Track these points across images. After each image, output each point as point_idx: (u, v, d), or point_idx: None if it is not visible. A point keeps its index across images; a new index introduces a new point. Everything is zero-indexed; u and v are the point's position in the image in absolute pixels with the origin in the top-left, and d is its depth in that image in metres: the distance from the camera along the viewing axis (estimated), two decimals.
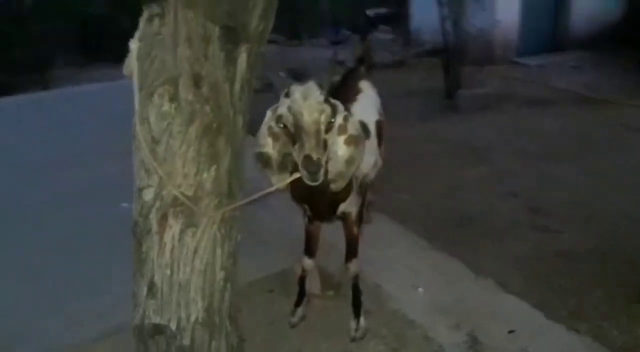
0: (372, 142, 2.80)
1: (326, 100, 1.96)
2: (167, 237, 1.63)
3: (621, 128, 5.84)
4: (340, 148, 2.07)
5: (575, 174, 4.70)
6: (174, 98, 1.63)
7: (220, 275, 1.70)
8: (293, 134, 1.95)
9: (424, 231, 3.68)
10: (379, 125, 2.98)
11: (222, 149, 1.68)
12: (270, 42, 9.52)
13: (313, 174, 1.90)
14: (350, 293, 2.73)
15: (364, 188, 3.43)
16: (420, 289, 2.91)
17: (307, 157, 1.88)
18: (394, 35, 11.83)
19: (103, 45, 8.68)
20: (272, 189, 1.96)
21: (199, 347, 1.68)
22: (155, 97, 1.63)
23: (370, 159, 2.73)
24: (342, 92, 2.65)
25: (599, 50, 9.08)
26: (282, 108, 1.95)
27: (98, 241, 3.40)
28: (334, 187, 2.15)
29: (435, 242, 3.49)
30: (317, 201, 2.40)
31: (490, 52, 9.02)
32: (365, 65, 3.22)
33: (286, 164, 2.04)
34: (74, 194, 4.47)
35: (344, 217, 2.54)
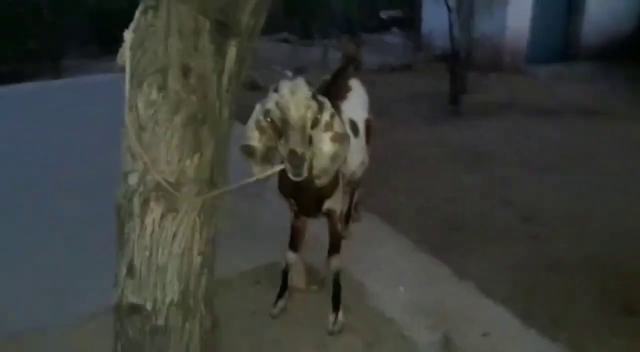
0: (360, 141, 2.86)
1: (314, 97, 2.02)
2: (148, 221, 1.69)
3: (624, 141, 5.82)
4: (325, 144, 2.13)
5: (573, 185, 4.71)
6: (162, 87, 1.69)
7: (197, 260, 1.76)
8: (280, 128, 2.02)
9: (415, 234, 3.71)
10: (368, 124, 3.03)
11: (206, 139, 1.74)
12: (283, 41, 9.67)
13: (297, 168, 1.96)
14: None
15: (353, 187, 3.50)
16: (402, 288, 2.96)
17: (292, 152, 1.94)
18: (405, 39, 11.86)
19: (117, 38, 8.77)
20: (252, 179, 2.02)
21: (173, 328, 1.74)
22: (145, 86, 1.69)
23: (358, 157, 2.80)
24: (332, 90, 2.71)
25: (610, 62, 9.03)
26: (270, 103, 2.01)
27: (100, 228, 3.47)
28: (318, 183, 2.21)
29: (423, 245, 3.52)
30: (302, 196, 2.46)
31: (499, 59, 9.04)
32: (353, 65, 3.26)
33: (269, 157, 2.10)
34: (80, 181, 4.55)
35: (329, 213, 2.59)
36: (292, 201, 2.58)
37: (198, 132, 1.72)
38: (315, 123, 2.04)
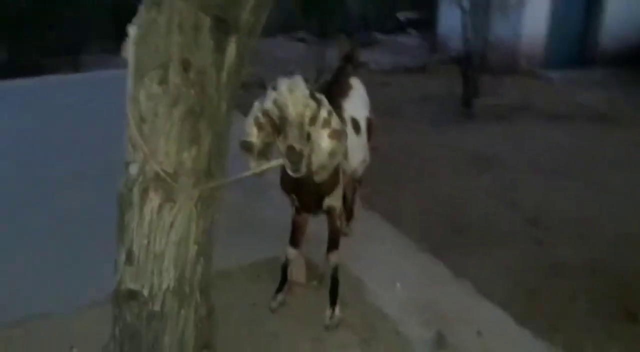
0: (362, 139, 2.91)
1: (311, 95, 2.07)
2: (147, 210, 1.75)
3: (635, 147, 5.80)
4: (323, 141, 2.17)
5: (580, 190, 4.71)
6: (163, 81, 1.75)
7: (193, 248, 1.81)
8: (278, 125, 2.07)
9: (417, 233, 3.74)
10: (369, 122, 3.07)
11: (204, 131, 1.80)
12: (300, 40, 9.70)
13: (295, 164, 2.01)
14: None
15: (354, 184, 3.54)
16: (398, 285, 3.00)
17: (291, 148, 2.00)
18: (421, 40, 11.85)
19: None
20: (248, 173, 2.07)
21: (168, 314, 1.80)
22: (146, 79, 1.75)
23: (359, 155, 2.84)
24: (334, 88, 2.76)
25: (627, 68, 8.95)
26: (269, 100, 2.06)
27: (109, 217, 3.56)
28: (317, 178, 2.25)
29: (424, 245, 3.56)
30: (303, 192, 2.52)
31: (514, 63, 9.00)
32: (351, 64, 3.30)
33: (266, 152, 2.15)
34: (92, 172, 4.63)
35: (329, 210, 2.64)
36: (294, 197, 2.64)
37: (196, 125, 1.78)
38: (313, 120, 2.09)
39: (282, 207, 3.06)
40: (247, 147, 2.17)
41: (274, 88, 2.07)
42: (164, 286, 1.78)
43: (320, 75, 3.16)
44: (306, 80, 2.08)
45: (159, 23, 1.75)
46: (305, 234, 2.90)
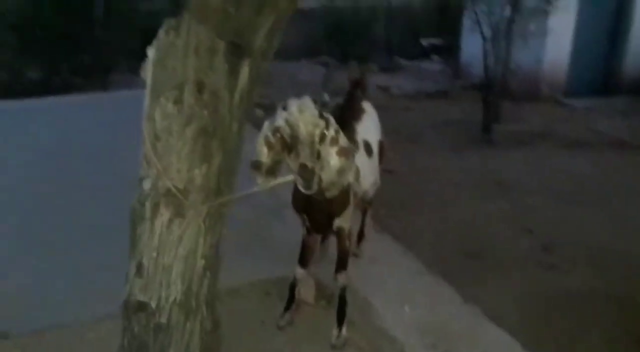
0: (374, 161, 2.96)
1: (320, 114, 2.14)
2: (158, 224, 1.82)
3: None
4: (332, 158, 2.24)
5: (597, 217, 4.67)
6: (177, 101, 1.83)
7: (200, 263, 1.88)
8: (289, 144, 2.13)
9: (429, 257, 3.73)
10: (381, 145, 3.13)
11: (215, 150, 1.87)
12: (322, 64, 9.84)
13: (307, 181, 2.07)
14: None
15: (365, 206, 3.59)
16: (407, 308, 3.01)
17: (303, 166, 2.07)
18: (444, 66, 11.92)
19: None
20: (256, 189, 2.14)
21: (175, 326, 1.86)
22: (162, 99, 1.84)
23: (370, 177, 2.89)
24: (347, 113, 2.83)
25: None
26: (280, 120, 2.13)
27: (127, 233, 3.66)
28: (327, 194, 2.31)
29: (434, 268, 3.56)
30: (314, 212, 2.57)
31: (536, 90, 8.98)
32: (361, 89, 3.37)
33: (274, 170, 2.21)
34: (113, 187, 4.74)
35: (338, 231, 2.69)
36: (305, 217, 2.69)
37: (207, 144, 1.85)
38: (322, 138, 2.15)
39: (294, 227, 3.11)
40: (256, 166, 2.23)
41: (284, 108, 2.14)
42: (171, 299, 1.84)
43: (336, 97, 3.23)
44: (315, 102, 2.15)
45: (177, 46, 1.85)
46: (315, 255, 2.94)
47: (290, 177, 2.16)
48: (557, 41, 8.70)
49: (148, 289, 1.84)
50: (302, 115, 2.10)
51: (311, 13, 12.54)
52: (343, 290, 2.80)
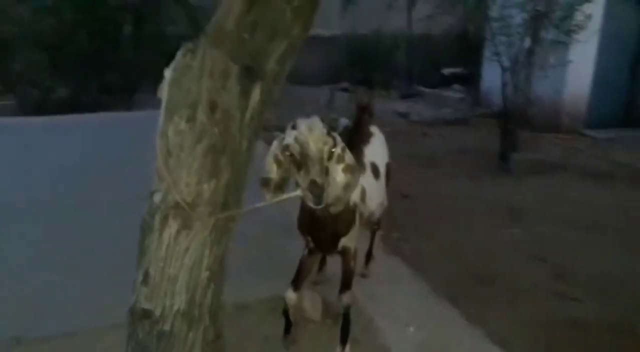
0: (381, 183, 3.03)
1: (328, 133, 2.23)
2: (166, 235, 1.91)
3: None
4: (338, 175, 2.32)
5: (611, 248, 4.65)
6: (190, 119, 1.93)
7: (205, 274, 1.95)
8: (299, 161, 2.21)
9: (438, 281, 3.76)
10: (388, 168, 3.20)
11: (224, 167, 1.96)
12: (343, 90, 10.04)
13: (317, 197, 2.14)
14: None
15: (373, 228, 3.65)
16: (411, 328, 3.04)
17: (313, 182, 2.14)
18: (464, 95, 11.99)
19: None
20: (262, 204, 2.21)
21: (177, 335, 1.92)
22: (176, 117, 1.95)
23: (377, 198, 2.96)
24: (356, 136, 2.91)
25: None
26: (289, 138, 2.22)
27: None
28: (332, 210, 2.37)
29: (441, 292, 3.58)
30: (320, 231, 2.63)
31: (556, 121, 8.99)
32: (368, 114, 3.46)
33: (282, 186, 2.29)
34: (132, 201, 4.91)
35: (344, 251, 2.74)
36: (309, 238, 2.75)
37: (217, 161, 1.95)
38: (329, 156, 2.23)
39: (303, 245, 3.18)
40: (265, 183, 2.31)
41: (294, 127, 2.23)
42: (175, 308, 1.91)
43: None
44: (322, 121, 2.23)
45: (192, 68, 1.96)
46: (311, 277, 2.97)
47: (297, 192, 2.23)
48: (578, 72, 8.73)
49: (153, 298, 1.91)
50: (312, 133, 2.19)
51: (334, 40, 12.78)
52: (347, 309, 2.84)
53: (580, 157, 7.68)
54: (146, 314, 1.92)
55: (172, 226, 1.91)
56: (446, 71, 13.60)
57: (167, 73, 2.04)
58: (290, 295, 2.81)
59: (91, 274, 3.64)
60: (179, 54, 2.02)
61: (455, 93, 12.44)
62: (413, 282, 3.68)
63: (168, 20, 10.32)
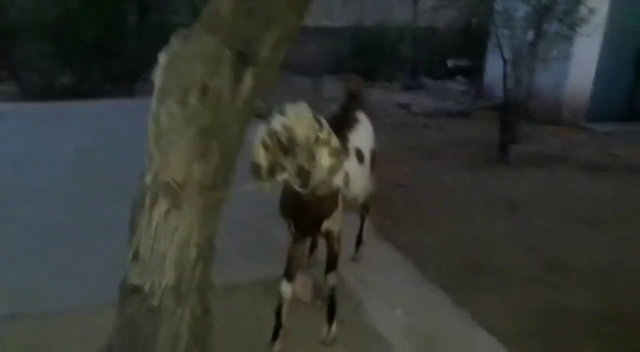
0: (365, 168, 3.10)
1: (314, 118, 2.27)
2: (155, 214, 1.97)
3: None
4: (324, 158, 2.34)
5: (607, 240, 4.67)
6: (182, 102, 1.99)
7: (193, 252, 2.01)
8: (286, 146, 2.25)
9: (430, 269, 3.82)
10: (373, 154, 3.26)
11: (213, 149, 2.02)
12: (345, 80, 9.89)
13: (304, 182, 2.20)
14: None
15: (362, 213, 3.72)
16: (398, 311, 3.11)
17: (301, 168, 2.19)
18: (468, 87, 12.00)
19: None
20: (253, 188, 2.25)
21: (165, 310, 1.99)
22: (168, 100, 2.01)
23: (361, 183, 3.02)
24: (342, 121, 2.97)
25: None
26: (277, 124, 2.25)
27: None
28: (318, 192, 2.41)
29: (432, 278, 3.63)
30: (302, 214, 2.66)
31: (557, 114, 8.99)
32: (356, 100, 3.50)
33: (274, 172, 2.31)
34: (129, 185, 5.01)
35: (327, 234, 2.79)
36: (291, 221, 2.76)
37: (207, 143, 2.00)
38: (315, 140, 2.27)
39: None
40: (255, 168, 2.34)
41: (282, 113, 2.26)
42: (164, 284, 1.97)
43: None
44: (309, 106, 2.28)
45: (186, 53, 2.02)
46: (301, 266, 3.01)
47: (285, 175, 2.27)
48: (580, 66, 8.73)
49: (143, 274, 1.98)
50: (299, 118, 2.23)
51: (338, 32, 12.78)
52: (332, 290, 2.92)
53: (580, 150, 7.68)
54: (136, 290, 1.99)
55: (162, 205, 1.97)
56: (450, 63, 13.59)
57: (161, 58, 2.09)
58: (285, 287, 2.82)
59: (90, 254, 3.74)
60: (173, 40, 2.07)
61: (458, 85, 12.45)
62: (405, 269, 3.74)
63: (171, 9, 10.40)
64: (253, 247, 3.76)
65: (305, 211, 2.61)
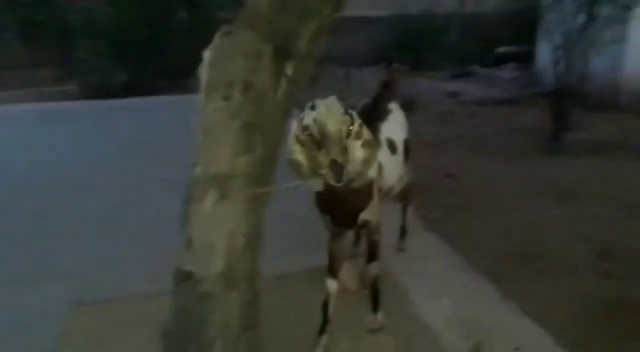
0: (398, 158, 3.11)
1: (345, 111, 2.30)
2: (205, 204, 2.07)
3: None
4: (357, 151, 2.37)
5: None
6: (227, 97, 2.09)
7: (241, 241, 2.10)
8: (319, 141, 2.27)
9: (477, 257, 3.80)
10: (406, 144, 3.26)
11: (257, 142, 2.11)
12: (388, 70, 9.88)
13: (338, 176, 2.24)
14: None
15: (404, 203, 3.79)
16: (444, 300, 3.11)
17: (334, 161, 2.22)
18: (519, 74, 11.70)
19: None
20: (298, 185, 2.31)
21: (216, 295, 2.09)
22: (214, 95, 2.11)
23: (395, 173, 3.03)
24: (374, 112, 2.99)
25: None
26: (308, 119, 2.25)
27: None
28: (354, 184, 2.43)
29: (480, 268, 3.62)
30: (339, 208, 2.68)
31: (614, 99, 8.67)
32: (390, 90, 3.48)
33: (316, 169, 2.31)
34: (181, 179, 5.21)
35: (365, 224, 2.81)
36: (328, 217, 2.77)
37: (251, 137, 2.09)
38: (348, 133, 2.31)
39: None
40: (294, 166, 2.36)
41: (312, 108, 2.27)
42: (214, 271, 2.07)
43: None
44: (340, 100, 2.30)
45: (228, 49, 2.11)
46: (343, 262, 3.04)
47: (323, 171, 2.29)
48: (637, 49, 8.35)
49: (194, 261, 2.09)
50: (330, 113, 2.23)
51: (383, 20, 12.71)
52: (375, 279, 2.96)
53: (636, 136, 7.38)
54: (188, 276, 2.10)
55: (211, 196, 2.07)
56: (501, 50, 13.28)
57: (206, 54, 2.19)
58: (331, 284, 2.86)
59: (145, 245, 3.95)
60: (216, 37, 2.17)
61: (508, 73, 12.15)
62: (451, 258, 3.73)
63: (218, 5, 10.61)
64: (301, 238, 3.84)
65: (341, 205, 2.62)
